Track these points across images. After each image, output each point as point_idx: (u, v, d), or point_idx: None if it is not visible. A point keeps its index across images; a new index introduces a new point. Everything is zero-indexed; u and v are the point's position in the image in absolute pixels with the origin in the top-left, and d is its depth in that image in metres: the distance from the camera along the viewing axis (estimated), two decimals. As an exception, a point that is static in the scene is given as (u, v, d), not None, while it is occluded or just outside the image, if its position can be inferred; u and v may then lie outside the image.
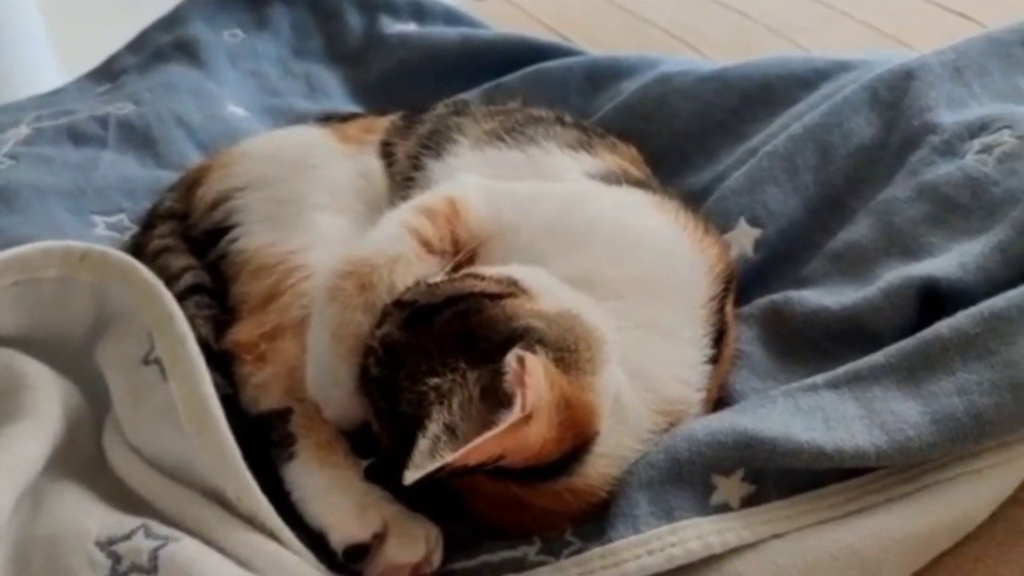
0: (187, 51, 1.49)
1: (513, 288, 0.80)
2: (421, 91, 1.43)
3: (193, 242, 1.06)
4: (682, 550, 0.74)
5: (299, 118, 1.40)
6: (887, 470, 0.79)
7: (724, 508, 0.77)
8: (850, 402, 0.81)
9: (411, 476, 0.67)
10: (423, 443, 0.69)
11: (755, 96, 1.22)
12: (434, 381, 0.75)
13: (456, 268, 0.87)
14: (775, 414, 0.81)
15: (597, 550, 0.74)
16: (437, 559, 0.78)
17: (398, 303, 0.82)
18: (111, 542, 0.70)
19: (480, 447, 0.67)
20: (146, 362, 0.78)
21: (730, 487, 0.78)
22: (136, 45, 1.56)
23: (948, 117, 1.04)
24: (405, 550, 0.76)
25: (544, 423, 0.71)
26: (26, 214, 1.13)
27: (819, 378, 0.85)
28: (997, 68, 1.11)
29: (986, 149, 0.97)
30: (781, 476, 0.79)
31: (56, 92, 1.50)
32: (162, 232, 1.08)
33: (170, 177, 1.22)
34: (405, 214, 0.91)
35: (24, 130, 1.28)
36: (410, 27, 1.56)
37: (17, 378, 0.77)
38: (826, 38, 1.72)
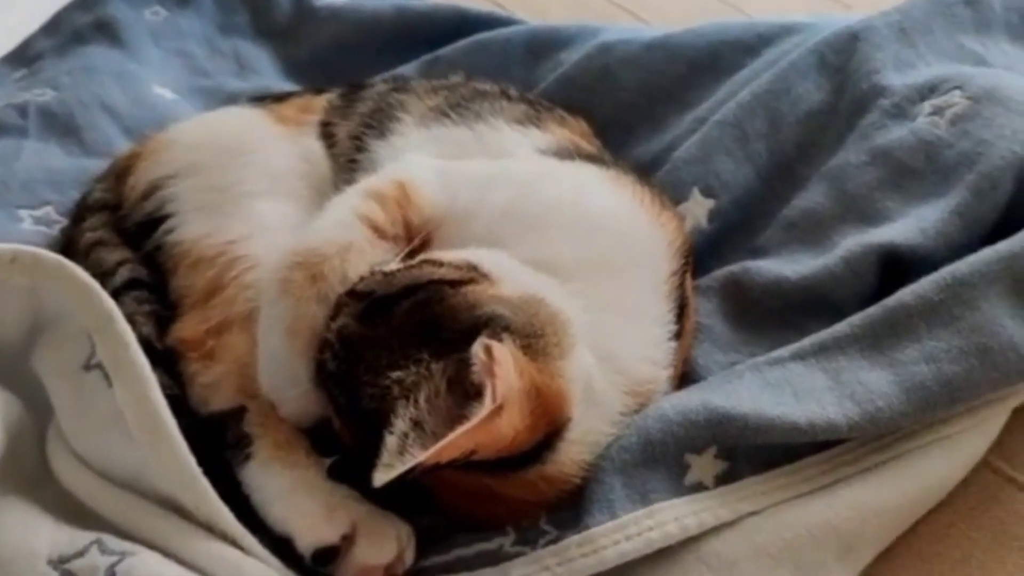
0: (107, 32, 1.42)
1: (473, 273, 0.77)
2: (356, 66, 1.39)
3: (126, 234, 1.01)
4: (660, 533, 0.73)
5: (230, 98, 1.33)
6: (858, 440, 0.79)
7: (699, 487, 0.76)
8: (818, 374, 0.81)
9: (381, 478, 0.64)
10: (391, 441, 0.66)
11: (701, 63, 1.21)
12: (396, 375, 0.72)
13: (410, 255, 0.83)
14: (744, 389, 0.80)
15: (574, 538, 0.72)
16: (410, 557, 0.75)
17: (353, 293, 0.79)
18: (63, 560, 0.66)
19: (452, 443, 0.65)
20: (87, 367, 0.74)
21: (703, 465, 0.77)
22: (52, 27, 1.47)
23: (897, 79, 1.03)
24: (376, 550, 0.74)
25: (515, 413, 0.69)
26: None
27: (785, 351, 0.84)
28: (941, 28, 1.11)
29: (937, 111, 0.97)
30: (754, 452, 0.78)
31: (-31, 82, 1.42)
32: (93, 224, 1.03)
33: (97, 166, 1.16)
34: (353, 199, 0.88)
35: None
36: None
37: (-48, 389, 0.72)
38: (766, 1, 1.70)
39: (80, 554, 0.66)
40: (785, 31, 1.20)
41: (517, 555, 0.74)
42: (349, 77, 1.34)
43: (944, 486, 0.79)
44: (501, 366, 0.68)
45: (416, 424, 0.68)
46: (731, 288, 0.95)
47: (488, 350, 0.69)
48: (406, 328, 0.74)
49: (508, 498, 0.74)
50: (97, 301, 0.74)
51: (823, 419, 0.76)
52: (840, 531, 0.74)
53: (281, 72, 1.45)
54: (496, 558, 0.74)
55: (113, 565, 0.65)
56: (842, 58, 1.08)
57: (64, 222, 1.10)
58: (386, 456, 0.65)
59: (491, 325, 0.72)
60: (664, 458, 0.76)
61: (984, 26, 1.13)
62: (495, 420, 0.67)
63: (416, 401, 0.69)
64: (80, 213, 1.06)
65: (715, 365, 0.89)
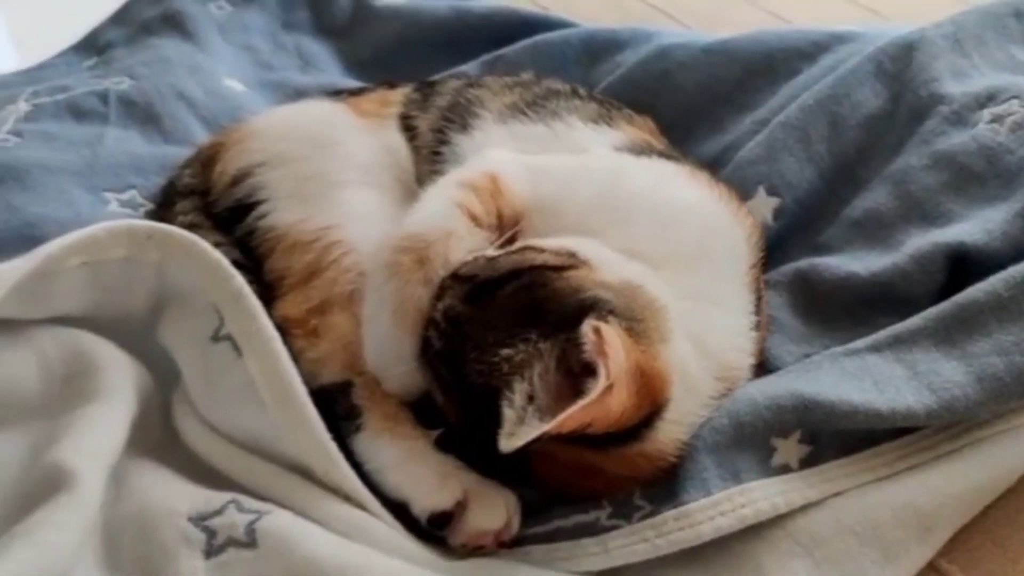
0: (175, 24, 1.46)
1: (574, 260, 0.82)
2: (415, 64, 1.43)
3: (216, 218, 1.05)
4: (752, 511, 0.77)
5: (297, 92, 1.39)
6: (933, 428, 0.82)
7: (785, 469, 0.81)
8: (895, 364, 0.85)
9: (508, 445, 0.68)
10: (510, 413, 0.71)
11: (757, 68, 1.25)
12: (505, 352, 0.76)
13: (507, 242, 0.88)
14: (826, 378, 0.84)
15: (671, 512, 0.77)
16: (516, 524, 0.80)
17: (457, 277, 0.83)
18: (202, 517, 0.70)
19: (572, 416, 0.69)
20: (216, 339, 0.79)
21: (788, 449, 0.81)
22: (120, 18, 1.52)
23: (955, 87, 1.07)
24: (488, 517, 0.78)
25: (623, 392, 0.73)
26: (39, 192, 1.10)
27: (861, 343, 0.88)
28: (993, 39, 1.15)
29: (997, 119, 1.01)
30: (834, 437, 0.82)
31: (42, 67, 1.46)
32: (184, 208, 1.07)
33: (177, 153, 1.20)
34: (450, 190, 0.92)
35: (23, 106, 1.24)
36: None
37: (89, 359, 0.76)
38: (797, 6, 1.75)
39: (218, 512, 0.70)
40: (837, 39, 1.24)
41: (613, 527, 0.78)
42: (409, 75, 1.38)
43: (1014, 473, 0.82)
44: (611, 346, 0.73)
45: (530, 398, 0.72)
46: (799, 283, 0.99)
47: (597, 331, 0.74)
48: (512, 309, 0.79)
49: (607, 472, 0.79)
50: (227, 277, 0.78)
51: (903, 407, 0.80)
52: (920, 512, 0.78)
53: (342, 68, 1.50)
54: (594, 529, 0.78)
55: (252, 522, 0.69)
56: (898, 66, 1.12)
57: (149, 206, 1.14)
58: (507, 426, 0.70)
59: (597, 308, 0.77)
60: (752, 440, 0.81)
61: (1032, 37, 1.18)
62: (607, 397, 0.72)
63: (531, 377, 0.73)
64: (170, 197, 1.10)
65: (788, 355, 0.93)
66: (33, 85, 1.31)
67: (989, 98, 1.05)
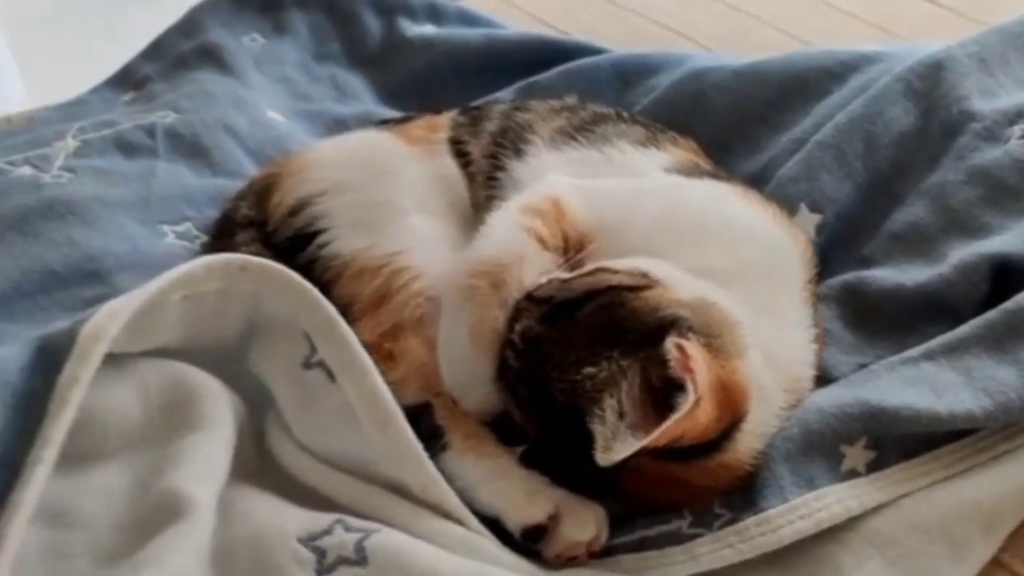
0: (212, 58, 1.49)
1: (647, 280, 0.85)
2: (450, 92, 1.46)
3: (276, 248, 1.08)
4: (828, 514, 0.80)
5: (336, 122, 1.43)
6: (988, 431, 0.86)
7: (854, 474, 0.84)
8: (949, 371, 0.88)
9: (607, 459, 0.72)
10: (602, 430, 0.74)
11: (789, 88, 1.29)
12: (588, 371, 0.80)
13: (575, 265, 0.91)
14: (887, 386, 0.88)
15: (752, 519, 0.80)
16: (605, 536, 0.83)
17: (532, 299, 0.87)
18: (312, 538, 0.73)
19: (666, 431, 0.73)
20: (307, 366, 0.81)
21: (856, 455, 0.85)
22: (152, 52, 1.55)
23: (984, 105, 1.12)
24: (580, 529, 0.81)
25: (709, 405, 0.77)
26: (97, 226, 1.14)
27: (915, 351, 0.91)
28: (1015, 58, 1.20)
29: None
30: (896, 442, 0.86)
31: (78, 103, 1.48)
32: (244, 240, 1.10)
33: (227, 185, 1.23)
34: (516, 215, 0.95)
35: (71, 142, 1.27)
36: (428, 29, 1.59)
37: (190, 389, 0.79)
38: (813, 26, 1.80)
39: (326, 532, 0.73)
40: (866, 59, 1.29)
41: (695, 536, 0.81)
42: (443, 103, 1.42)
43: None
44: (696, 361, 0.76)
45: (620, 415, 0.76)
46: (848, 295, 1.03)
47: (681, 347, 0.77)
48: (592, 329, 0.82)
49: (689, 483, 0.82)
50: (318, 305, 0.81)
51: (963, 410, 0.84)
52: (983, 509, 0.81)
53: (376, 98, 1.52)
54: (678, 538, 0.82)
55: (360, 540, 0.72)
56: (927, 85, 1.16)
57: (203, 238, 1.17)
58: (602, 441, 0.73)
59: (676, 326, 0.80)
60: (822, 448, 0.84)
61: (1052, 56, 1.23)
62: (695, 411, 0.75)
63: (618, 394, 0.77)
64: (229, 228, 1.13)
65: (842, 366, 0.96)
66: (76, 121, 1.33)
67: (1018, 115, 1.10)
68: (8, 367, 0.73)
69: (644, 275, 0.86)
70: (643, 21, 1.86)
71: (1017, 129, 1.08)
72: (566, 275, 0.88)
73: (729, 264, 0.91)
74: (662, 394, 0.77)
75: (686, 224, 0.94)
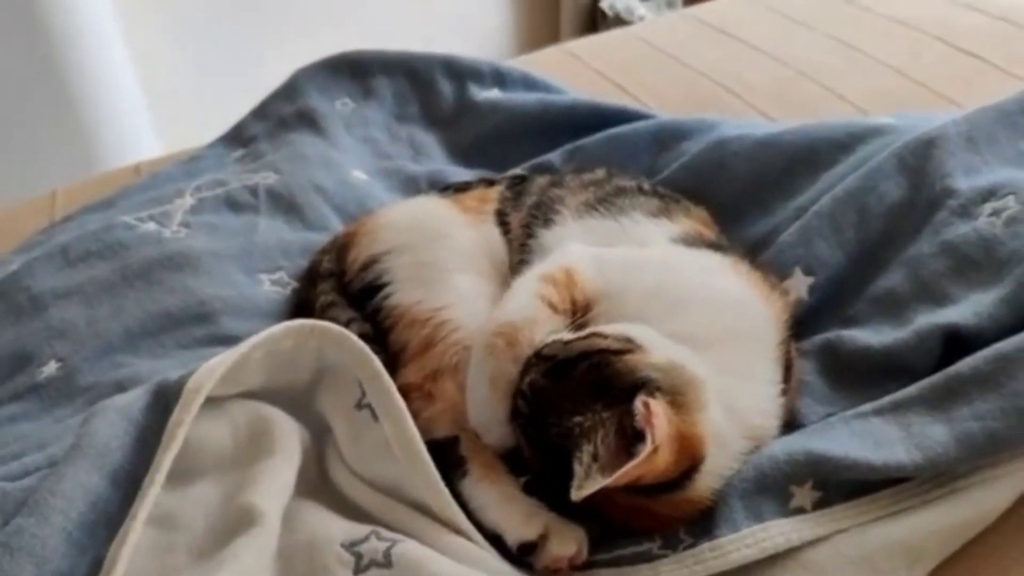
0: (308, 120, 1.72)
1: (631, 344, 1.02)
2: (509, 152, 1.66)
3: (351, 297, 1.29)
4: (771, 543, 0.96)
5: (409, 179, 1.63)
6: (922, 478, 1.00)
7: (800, 511, 0.99)
8: (893, 426, 1.02)
9: (578, 494, 0.90)
10: (579, 469, 0.93)
11: (801, 158, 1.42)
12: (576, 419, 0.97)
13: (578, 327, 1.10)
14: (836, 437, 1.03)
15: (707, 544, 0.97)
16: (585, 552, 1.01)
17: (539, 356, 1.04)
18: (353, 544, 0.94)
19: (626, 472, 0.91)
20: (359, 407, 1.02)
21: (803, 494, 1.00)
22: (260, 113, 1.79)
23: (964, 183, 1.24)
24: (564, 546, 0.99)
25: (667, 453, 0.94)
26: (208, 276, 1.35)
27: (868, 407, 1.06)
28: (1004, 136, 1.32)
29: (995, 213, 1.17)
30: (841, 484, 1.00)
31: (196, 158, 1.73)
32: (324, 289, 1.31)
33: (316, 239, 1.44)
34: (533, 283, 1.13)
35: (189, 200, 1.50)
36: (494, 93, 1.78)
37: (267, 423, 1.02)
38: (854, 83, 1.93)
39: (364, 540, 0.94)
40: (873, 132, 1.41)
41: (662, 556, 0.98)
42: (504, 160, 1.63)
43: (990, 515, 0.97)
44: (657, 417, 0.94)
45: (595, 457, 0.95)
46: (827, 352, 1.17)
47: (646, 405, 0.95)
48: (582, 385, 0.99)
49: (658, 513, 1.00)
50: (368, 360, 1.02)
51: (895, 462, 0.98)
52: (908, 546, 0.95)
53: (447, 156, 1.72)
54: (648, 557, 0.99)
55: (389, 548, 0.92)
56: (919, 161, 1.28)
57: (294, 284, 1.39)
58: (577, 480, 0.92)
59: (647, 385, 0.97)
60: (774, 488, 1.00)
61: (1042, 132, 1.35)
62: (653, 458, 0.93)
63: (595, 441, 0.96)
64: (312, 279, 1.35)
65: (814, 415, 1.11)
66: (193, 179, 1.56)
67: (991, 193, 1.20)
68: (134, 407, 0.98)
69: (628, 340, 1.03)
70: (701, 78, 2.03)
71: (987, 207, 1.19)
72: (568, 337, 1.05)
73: (705, 330, 1.07)
74: (632, 442, 0.96)
75: (674, 294, 1.11)
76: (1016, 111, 1.35)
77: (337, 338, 1.02)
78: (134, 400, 0.99)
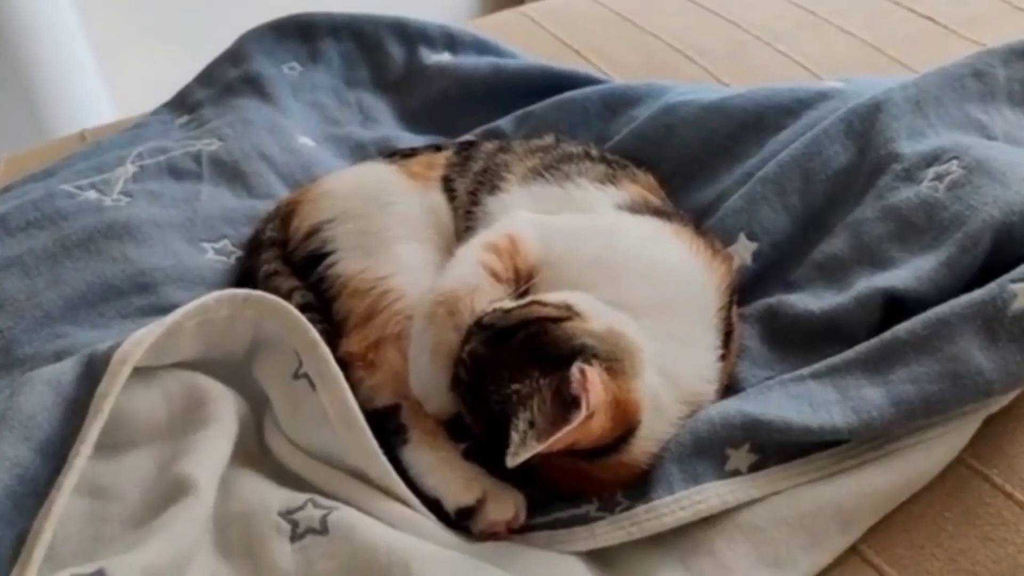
0: (254, 85, 1.68)
1: (569, 312, 1.02)
2: (459, 116, 1.64)
3: (294, 266, 1.28)
4: (706, 506, 0.98)
5: (358, 145, 1.61)
6: (858, 440, 1.02)
7: (736, 473, 1.01)
8: (829, 389, 1.04)
9: (513, 461, 0.91)
10: (515, 436, 0.93)
11: (748, 123, 1.41)
12: (515, 387, 0.97)
13: (521, 295, 1.10)
14: (772, 400, 1.04)
15: (642, 507, 0.98)
16: (523, 516, 1.02)
17: (479, 324, 1.04)
18: (289, 512, 0.94)
19: (560, 438, 0.92)
20: (296, 376, 1.02)
21: (740, 457, 1.02)
22: (205, 78, 1.75)
23: (908, 147, 1.25)
24: (501, 510, 1.00)
25: (602, 418, 0.95)
26: (149, 245, 1.32)
27: (805, 370, 1.07)
28: (951, 99, 1.32)
29: (938, 177, 1.18)
30: (778, 447, 1.02)
31: (140, 126, 1.69)
32: (267, 258, 1.29)
33: (261, 206, 1.42)
34: (476, 252, 1.12)
35: (130, 168, 1.46)
36: (445, 57, 1.75)
37: (203, 393, 1.01)
38: (811, 48, 1.92)
39: (300, 508, 0.94)
40: (820, 96, 1.41)
41: (599, 518, 1.00)
42: (454, 126, 1.61)
43: (924, 477, 1.00)
44: (592, 383, 0.94)
45: (531, 424, 0.95)
46: (768, 317, 1.18)
47: (582, 371, 0.95)
48: (521, 353, 1.00)
49: (595, 477, 1.01)
50: (304, 330, 1.01)
51: (830, 424, 1.00)
52: (842, 508, 0.98)
53: (397, 121, 1.69)
54: (585, 519, 1.00)
55: (325, 515, 0.93)
56: (865, 126, 1.29)
57: (238, 253, 1.36)
58: (514, 446, 0.92)
59: (584, 352, 0.97)
60: (709, 451, 1.01)
61: (989, 96, 1.34)
62: (588, 423, 0.93)
63: (532, 407, 0.96)
64: (255, 247, 1.33)
65: (753, 379, 1.12)
66: (136, 146, 1.52)
67: (935, 158, 1.21)
68: (64, 378, 0.97)
69: (568, 307, 1.03)
70: (656, 42, 2.01)
71: (931, 172, 1.20)
72: (509, 305, 1.05)
73: (645, 297, 1.07)
74: (568, 408, 0.96)
75: (615, 262, 1.11)
76: (963, 74, 1.35)
77: (273, 307, 1.01)
78: (63, 371, 0.98)
